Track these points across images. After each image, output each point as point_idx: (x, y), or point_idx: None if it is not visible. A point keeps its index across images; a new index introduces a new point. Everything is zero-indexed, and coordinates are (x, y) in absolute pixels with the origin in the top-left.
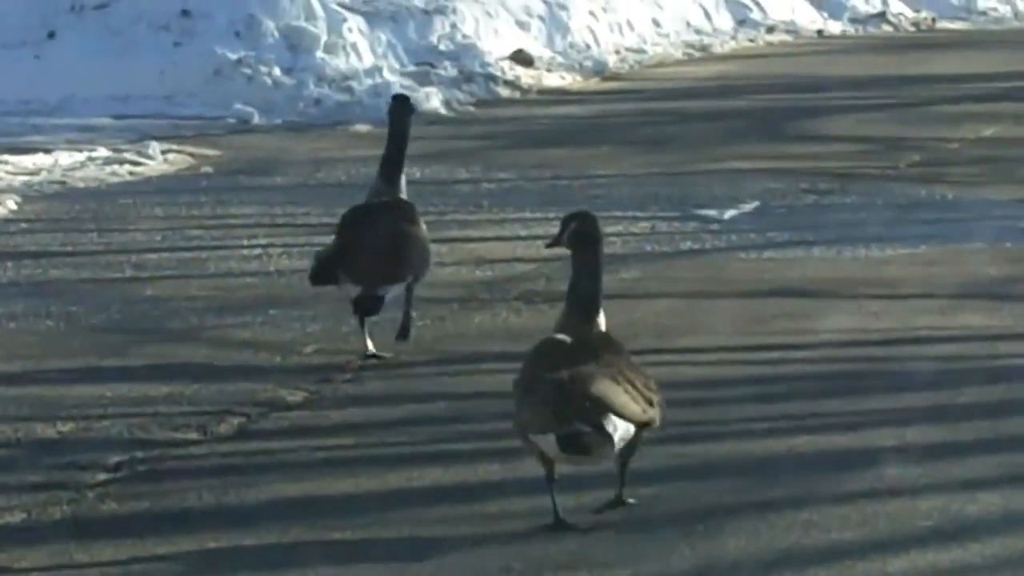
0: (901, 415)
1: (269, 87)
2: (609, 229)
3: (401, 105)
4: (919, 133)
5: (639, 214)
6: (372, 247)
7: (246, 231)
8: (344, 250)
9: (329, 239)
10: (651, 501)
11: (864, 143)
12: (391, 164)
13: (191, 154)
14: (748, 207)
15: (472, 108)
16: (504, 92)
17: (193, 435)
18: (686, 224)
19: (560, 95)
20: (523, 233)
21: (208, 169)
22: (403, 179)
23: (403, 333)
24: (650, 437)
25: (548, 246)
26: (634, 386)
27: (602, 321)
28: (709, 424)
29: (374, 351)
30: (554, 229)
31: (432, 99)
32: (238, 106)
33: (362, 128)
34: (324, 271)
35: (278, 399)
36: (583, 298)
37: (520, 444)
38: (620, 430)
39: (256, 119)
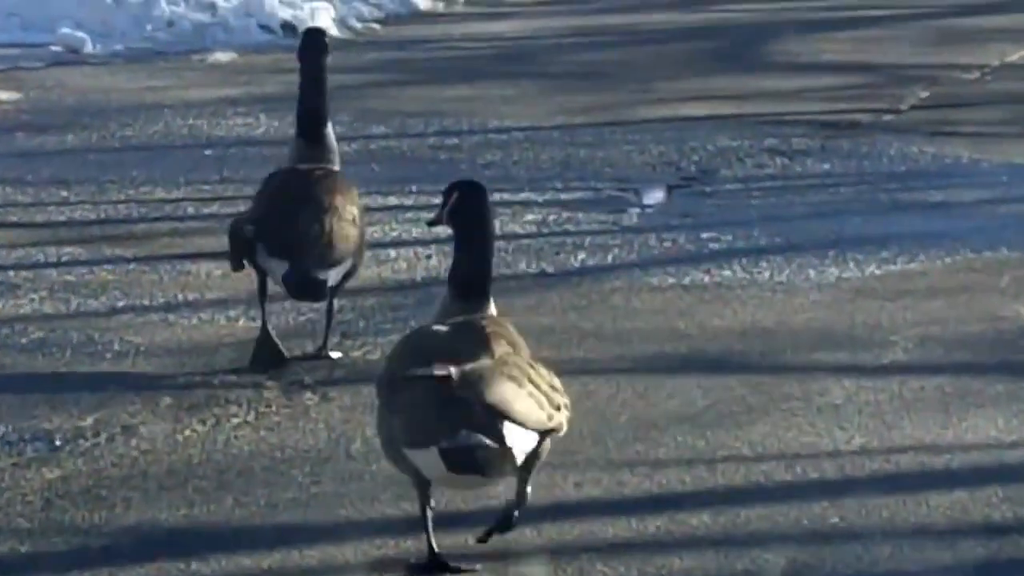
0: None
1: (108, 5)
2: None
3: (313, 41)
4: (929, 58)
5: (533, 197)
6: (303, 217)
7: None
8: (267, 217)
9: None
10: None
11: (859, 73)
12: (311, 118)
13: None
14: (686, 181)
15: (377, 26)
16: (424, 3)
17: None
18: (592, 214)
19: (493, 7)
20: None
21: None
22: (331, 134)
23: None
24: None
25: (430, 224)
26: (537, 386)
27: (492, 311)
28: None
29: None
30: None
31: (320, 17)
32: (66, 30)
33: (223, 57)
34: (241, 244)
35: None
36: (467, 284)
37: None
38: (521, 442)
39: (89, 47)
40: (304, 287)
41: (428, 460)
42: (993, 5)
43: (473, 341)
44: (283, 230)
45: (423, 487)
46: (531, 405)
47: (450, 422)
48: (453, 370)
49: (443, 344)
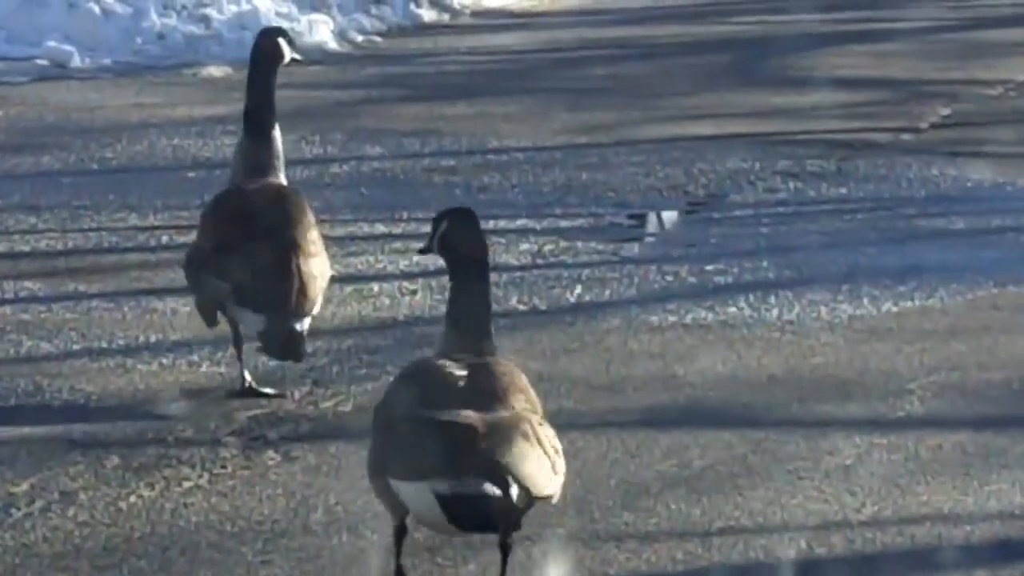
0: None
1: (96, 17)
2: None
3: (269, 41)
4: (950, 73)
5: (531, 224)
6: (274, 262)
7: None
8: (229, 263)
9: None
10: None
11: (876, 89)
12: (259, 116)
13: None
14: (693, 207)
15: (378, 39)
16: (428, 15)
17: None
18: (592, 244)
19: (502, 18)
20: (336, 271)
21: None
22: (277, 133)
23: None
24: None
25: (420, 252)
26: (544, 449)
27: (494, 347)
28: None
29: (251, 383)
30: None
31: (318, 30)
32: (52, 43)
33: (217, 72)
34: (210, 294)
35: None
36: (465, 318)
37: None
38: (519, 499)
39: (76, 60)
40: (287, 346)
41: (418, 497)
42: (1016, 18)
43: (490, 389)
44: (256, 280)
45: (399, 533)
46: (539, 468)
47: (458, 464)
48: (478, 420)
49: (457, 387)
